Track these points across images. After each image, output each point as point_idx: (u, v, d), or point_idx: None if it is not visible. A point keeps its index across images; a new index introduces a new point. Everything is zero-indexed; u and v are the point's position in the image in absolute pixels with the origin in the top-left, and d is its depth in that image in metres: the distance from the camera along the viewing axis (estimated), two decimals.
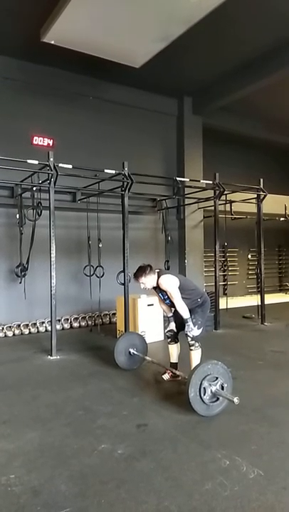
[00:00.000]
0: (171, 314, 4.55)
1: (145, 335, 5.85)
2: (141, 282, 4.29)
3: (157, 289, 4.35)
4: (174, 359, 4.58)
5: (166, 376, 4.51)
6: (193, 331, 4.13)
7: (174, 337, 4.55)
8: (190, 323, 4.09)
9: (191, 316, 4.15)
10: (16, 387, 4.41)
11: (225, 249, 8.79)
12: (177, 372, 4.38)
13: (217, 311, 7.43)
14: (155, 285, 4.29)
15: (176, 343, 4.56)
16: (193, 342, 4.24)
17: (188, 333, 4.14)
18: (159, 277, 4.25)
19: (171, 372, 4.48)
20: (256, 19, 6.28)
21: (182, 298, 4.16)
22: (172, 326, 4.51)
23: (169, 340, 4.59)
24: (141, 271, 4.28)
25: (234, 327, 7.61)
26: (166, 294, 4.26)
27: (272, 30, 6.65)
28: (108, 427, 3.36)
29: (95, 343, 6.51)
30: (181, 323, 4.31)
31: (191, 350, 4.25)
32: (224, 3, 5.06)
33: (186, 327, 4.11)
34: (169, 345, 4.60)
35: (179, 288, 4.17)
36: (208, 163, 9.53)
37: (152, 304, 6.43)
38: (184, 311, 4.12)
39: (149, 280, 4.26)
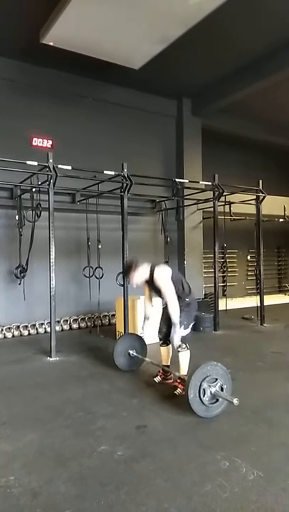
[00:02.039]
0: (148, 314, 4.55)
1: (144, 336, 5.83)
2: (134, 280, 4.17)
3: (151, 284, 4.19)
4: (165, 362, 4.55)
5: (157, 379, 4.50)
6: (178, 332, 4.07)
7: (165, 339, 4.48)
8: (177, 328, 3.95)
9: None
10: (16, 389, 4.40)
11: (224, 251, 8.77)
12: (168, 376, 4.39)
13: (216, 312, 7.43)
14: (148, 278, 4.14)
15: (167, 345, 4.50)
16: (180, 343, 4.14)
17: (175, 339, 4.02)
18: (153, 270, 4.10)
19: (163, 374, 4.48)
20: (253, 22, 6.30)
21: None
22: (147, 324, 4.50)
23: (161, 342, 4.55)
24: (130, 267, 4.15)
25: (233, 328, 7.61)
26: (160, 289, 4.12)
27: (268, 33, 6.67)
28: (108, 428, 3.35)
29: (94, 344, 6.50)
30: (169, 325, 4.21)
31: (179, 352, 4.17)
32: (222, 7, 5.08)
33: (172, 329, 3.98)
34: (161, 348, 4.57)
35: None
36: (208, 165, 9.54)
37: (152, 305, 6.40)
38: (175, 311, 3.97)
39: (139, 274, 4.12)
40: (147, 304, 4.59)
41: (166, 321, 4.29)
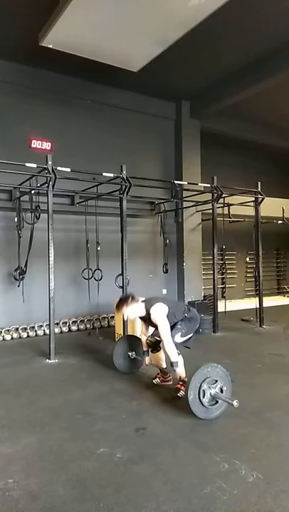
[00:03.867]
0: (146, 348, 4.43)
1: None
2: (124, 313, 4.19)
3: (147, 320, 4.17)
4: (163, 365, 4.49)
5: (156, 380, 4.49)
6: (175, 337, 4.03)
7: (154, 346, 4.38)
8: (175, 368, 3.87)
9: (176, 322, 4.10)
10: (14, 391, 4.39)
11: (223, 252, 8.78)
12: (167, 378, 4.37)
13: (215, 314, 7.43)
14: (142, 315, 4.14)
15: (158, 351, 4.41)
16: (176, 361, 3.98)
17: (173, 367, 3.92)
18: (149, 307, 4.05)
19: (162, 376, 4.46)
20: (250, 26, 6.38)
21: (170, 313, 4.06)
22: (147, 360, 4.39)
23: (153, 350, 4.46)
24: (122, 302, 4.12)
25: (233, 330, 7.61)
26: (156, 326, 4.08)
27: (265, 36, 6.73)
28: (107, 430, 3.35)
29: (93, 346, 6.49)
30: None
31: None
32: (220, 10, 5.10)
33: (172, 366, 3.87)
34: (154, 355, 4.47)
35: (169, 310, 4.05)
36: (206, 167, 9.56)
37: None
38: (171, 350, 3.89)
39: (132, 310, 4.11)
40: (145, 332, 4.49)
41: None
